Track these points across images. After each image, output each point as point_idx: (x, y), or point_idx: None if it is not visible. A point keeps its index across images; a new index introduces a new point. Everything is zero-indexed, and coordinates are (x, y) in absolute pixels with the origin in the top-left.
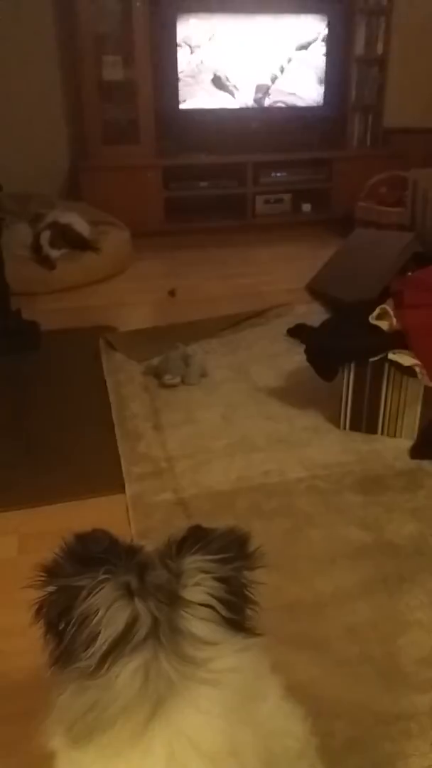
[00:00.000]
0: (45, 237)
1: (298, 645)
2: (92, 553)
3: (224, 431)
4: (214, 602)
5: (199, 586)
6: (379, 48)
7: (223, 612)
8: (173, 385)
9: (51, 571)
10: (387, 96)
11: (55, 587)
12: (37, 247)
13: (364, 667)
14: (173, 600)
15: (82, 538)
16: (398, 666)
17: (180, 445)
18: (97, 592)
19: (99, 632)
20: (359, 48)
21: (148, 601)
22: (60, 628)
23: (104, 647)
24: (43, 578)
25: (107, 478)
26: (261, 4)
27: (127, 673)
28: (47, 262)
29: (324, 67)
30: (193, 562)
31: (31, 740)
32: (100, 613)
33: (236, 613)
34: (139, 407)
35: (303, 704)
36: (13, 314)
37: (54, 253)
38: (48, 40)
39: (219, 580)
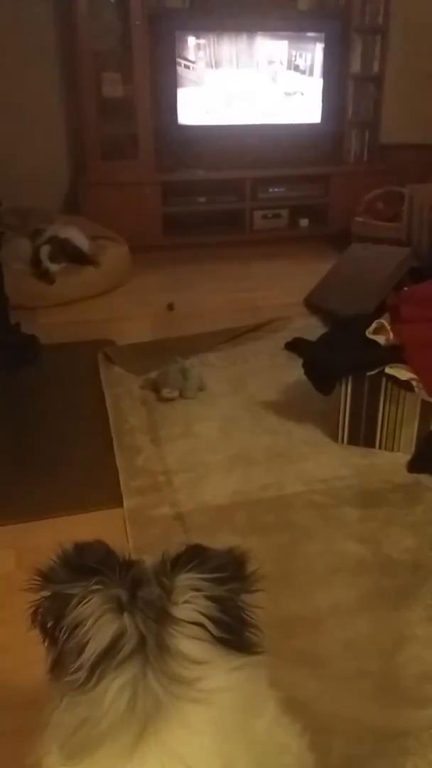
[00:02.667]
0: (44, 251)
1: (295, 660)
2: (87, 563)
3: (222, 445)
4: (204, 621)
5: (189, 603)
6: (375, 65)
7: (215, 631)
8: (171, 399)
9: (45, 576)
10: (383, 112)
11: (48, 593)
12: (36, 262)
13: (363, 683)
14: (162, 617)
15: (80, 548)
16: (397, 682)
17: (178, 459)
18: (87, 602)
19: (87, 643)
20: (356, 65)
21: (136, 616)
22: (55, 635)
23: (91, 659)
24: (37, 582)
25: (105, 492)
26: (259, 21)
27: (114, 689)
28: (46, 277)
29: (321, 84)
30: (185, 579)
31: (27, 757)
32: (88, 624)
33: (229, 633)
34: (137, 421)
35: (300, 720)
36: (12, 328)
37: (53, 268)
38: (48, 57)
39: (211, 599)
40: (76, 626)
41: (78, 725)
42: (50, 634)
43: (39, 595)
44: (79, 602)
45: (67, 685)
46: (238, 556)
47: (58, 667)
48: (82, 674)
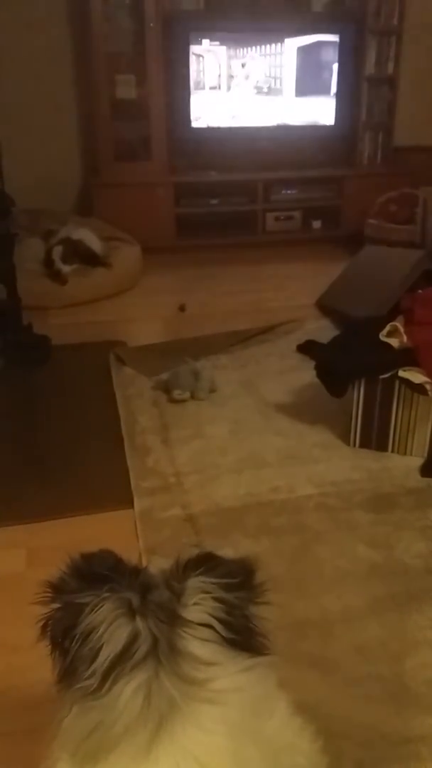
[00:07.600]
0: (57, 252)
1: (306, 664)
2: (97, 571)
3: (233, 447)
4: (213, 622)
5: (198, 605)
6: (390, 67)
7: (224, 633)
8: (182, 400)
9: (56, 588)
10: (397, 114)
11: (60, 604)
12: (49, 263)
13: (374, 688)
14: (172, 619)
15: (88, 557)
16: (408, 687)
17: (189, 461)
18: (99, 609)
19: (101, 648)
20: (370, 67)
21: (149, 619)
22: (65, 645)
23: (105, 664)
24: (49, 595)
25: (116, 493)
26: (273, 23)
27: (128, 691)
28: (59, 277)
29: (335, 86)
30: (194, 582)
31: (38, 758)
32: (101, 629)
33: (238, 634)
34: (148, 422)
35: (311, 724)
36: (24, 328)
37: (66, 269)
38: (62, 58)
39: (219, 600)
40: (89, 633)
41: (92, 729)
42: (60, 645)
43: (50, 608)
44: (92, 610)
45: (79, 691)
46: (247, 565)
47: (68, 675)
48: (95, 680)
